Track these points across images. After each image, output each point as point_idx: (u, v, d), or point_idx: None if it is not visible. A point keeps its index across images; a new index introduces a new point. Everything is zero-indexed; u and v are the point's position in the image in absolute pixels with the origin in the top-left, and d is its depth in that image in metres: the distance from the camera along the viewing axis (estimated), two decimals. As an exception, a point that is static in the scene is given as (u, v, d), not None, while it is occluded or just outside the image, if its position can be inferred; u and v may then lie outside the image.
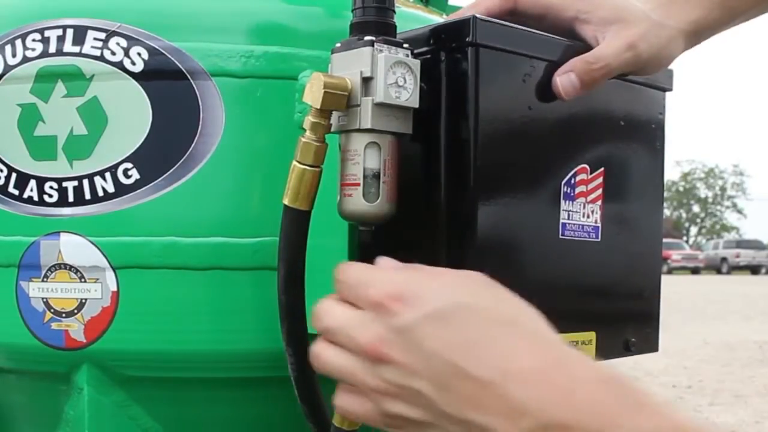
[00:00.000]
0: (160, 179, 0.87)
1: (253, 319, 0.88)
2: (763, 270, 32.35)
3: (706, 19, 0.83)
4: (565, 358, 0.57)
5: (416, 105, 0.74)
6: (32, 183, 0.89)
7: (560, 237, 0.82)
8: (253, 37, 0.88)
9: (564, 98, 0.78)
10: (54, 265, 0.88)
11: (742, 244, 34.97)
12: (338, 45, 0.75)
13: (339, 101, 0.73)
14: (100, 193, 0.87)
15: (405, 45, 0.74)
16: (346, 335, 0.63)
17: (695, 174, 57.24)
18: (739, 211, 56.61)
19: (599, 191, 0.85)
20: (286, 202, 0.77)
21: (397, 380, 0.60)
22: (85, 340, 0.88)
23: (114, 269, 0.87)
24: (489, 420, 0.55)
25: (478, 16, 0.75)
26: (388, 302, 0.60)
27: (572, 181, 0.83)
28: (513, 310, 0.60)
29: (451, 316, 0.58)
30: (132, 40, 0.86)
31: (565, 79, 0.78)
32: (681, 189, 56.70)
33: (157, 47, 0.86)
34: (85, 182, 0.88)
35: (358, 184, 0.73)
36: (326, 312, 0.66)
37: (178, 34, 0.87)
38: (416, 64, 0.73)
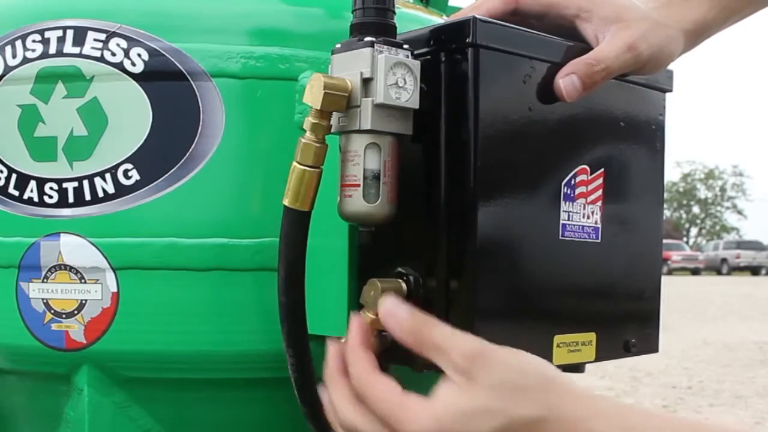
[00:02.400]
0: (160, 180, 0.87)
1: (253, 320, 0.88)
2: (764, 271, 32.32)
3: (705, 19, 0.83)
4: None
5: (416, 106, 0.74)
6: (32, 184, 0.89)
7: (560, 238, 0.82)
8: (253, 38, 0.88)
9: (566, 100, 0.78)
10: (54, 266, 0.88)
11: (742, 245, 34.91)
12: (338, 46, 0.75)
13: (339, 102, 0.73)
14: (100, 194, 0.87)
15: (405, 46, 0.74)
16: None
17: (695, 175, 57.23)
18: (739, 212, 56.59)
19: (599, 192, 0.85)
20: (286, 203, 0.77)
21: None
22: (85, 341, 0.88)
23: (114, 270, 0.87)
24: None
25: (478, 16, 0.75)
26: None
27: (572, 182, 0.83)
28: (536, 408, 0.64)
29: None
30: (132, 41, 0.87)
31: (567, 81, 0.78)
32: (681, 190, 56.69)
33: (157, 48, 0.86)
34: (85, 183, 0.88)
35: (359, 185, 0.73)
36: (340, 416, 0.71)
37: (178, 35, 0.87)
38: (416, 65, 0.73)
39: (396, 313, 0.69)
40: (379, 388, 0.67)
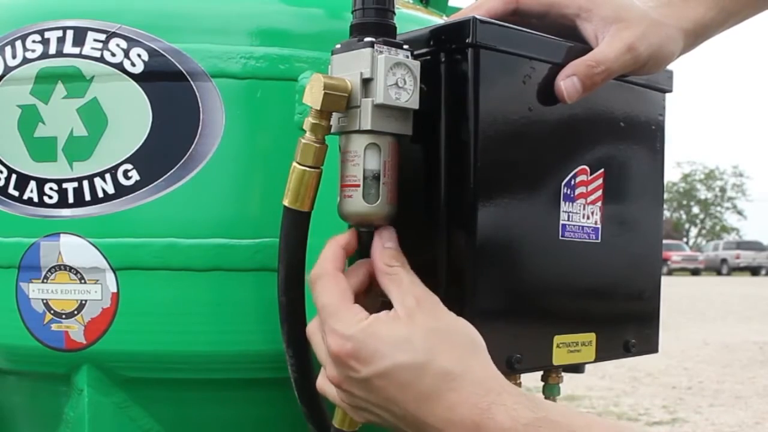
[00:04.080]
0: (160, 180, 0.87)
1: (253, 321, 0.88)
2: (763, 271, 32.31)
3: (703, 19, 0.84)
4: (496, 408, 0.68)
5: (416, 106, 0.74)
6: (32, 184, 0.89)
7: (560, 238, 0.82)
8: (253, 39, 0.88)
9: (567, 101, 0.78)
10: (54, 267, 0.88)
11: (742, 245, 34.91)
12: (338, 46, 0.75)
13: (339, 102, 0.73)
14: (100, 195, 0.87)
15: (405, 46, 0.74)
16: (321, 365, 0.75)
17: (695, 175, 57.20)
18: (739, 213, 56.56)
19: (599, 192, 0.85)
20: (286, 203, 0.77)
21: (361, 405, 0.73)
22: (85, 342, 0.88)
23: (114, 270, 0.87)
24: None
25: (477, 17, 0.75)
26: (344, 359, 0.70)
27: (572, 182, 0.83)
28: (456, 363, 0.69)
29: (403, 374, 0.69)
30: (132, 42, 0.86)
31: (568, 83, 0.78)
32: (681, 190, 56.66)
33: (157, 48, 0.86)
34: (85, 183, 0.88)
35: (358, 186, 0.73)
36: (309, 334, 0.77)
37: (178, 36, 0.87)
38: (416, 65, 0.73)
39: (387, 241, 0.75)
40: (333, 282, 0.73)
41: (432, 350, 0.69)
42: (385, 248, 0.75)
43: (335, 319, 0.71)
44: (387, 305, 0.73)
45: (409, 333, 0.70)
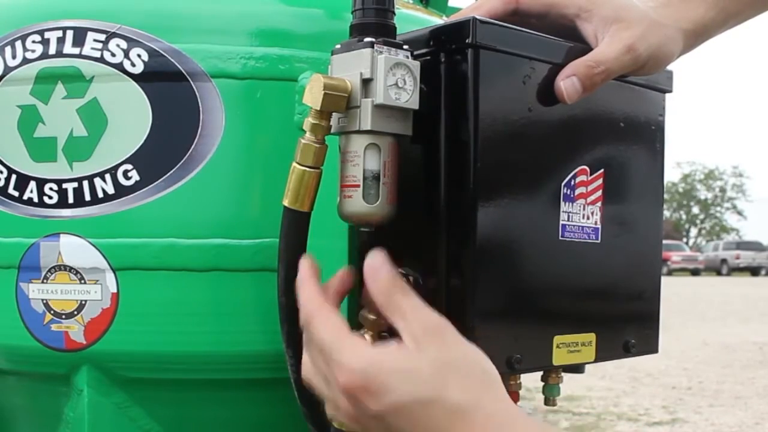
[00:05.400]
0: (159, 181, 0.87)
1: (253, 321, 0.88)
2: (763, 271, 32.30)
3: (703, 19, 0.84)
4: None
5: (416, 106, 0.74)
6: (32, 184, 0.89)
7: (560, 238, 0.82)
8: (253, 39, 0.88)
9: (567, 102, 0.78)
10: (54, 267, 0.88)
11: (741, 245, 34.89)
12: (338, 46, 0.75)
13: (339, 103, 0.73)
14: (100, 195, 0.87)
15: (405, 46, 0.74)
16: (331, 404, 0.73)
17: (695, 175, 57.20)
18: (739, 213, 56.56)
19: (599, 192, 0.85)
20: (285, 203, 0.77)
21: None
22: (85, 342, 0.88)
23: (114, 270, 0.87)
24: None
25: (477, 17, 0.75)
26: (355, 393, 0.68)
27: (572, 183, 0.83)
28: (467, 397, 0.67)
29: (413, 409, 0.67)
30: (132, 42, 0.87)
31: (568, 83, 0.78)
32: (681, 190, 56.67)
33: (157, 49, 0.86)
34: (85, 184, 0.88)
35: (358, 186, 0.73)
36: (308, 377, 0.75)
37: (178, 36, 0.87)
38: (416, 65, 0.73)
39: (378, 270, 0.71)
40: (326, 317, 0.71)
41: (441, 384, 0.67)
42: (377, 281, 0.71)
43: (341, 354, 0.69)
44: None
45: (418, 366, 0.67)
